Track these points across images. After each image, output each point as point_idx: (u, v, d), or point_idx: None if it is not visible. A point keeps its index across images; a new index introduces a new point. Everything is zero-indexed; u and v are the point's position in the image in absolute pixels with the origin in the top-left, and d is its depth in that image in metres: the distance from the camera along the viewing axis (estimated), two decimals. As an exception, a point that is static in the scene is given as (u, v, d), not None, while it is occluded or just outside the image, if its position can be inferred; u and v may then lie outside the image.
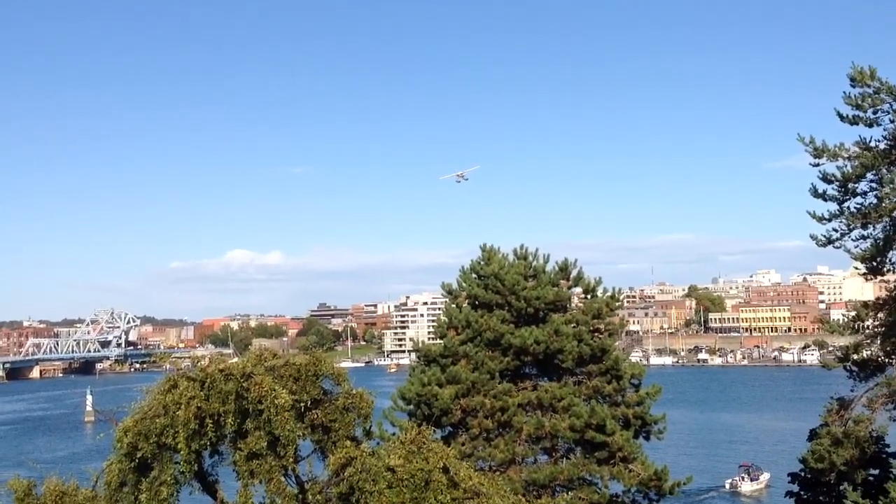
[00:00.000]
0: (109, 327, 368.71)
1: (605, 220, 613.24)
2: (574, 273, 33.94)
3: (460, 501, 17.04)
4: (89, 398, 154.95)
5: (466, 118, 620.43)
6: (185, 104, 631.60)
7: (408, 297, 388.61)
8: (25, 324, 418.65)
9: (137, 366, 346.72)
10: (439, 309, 40.27)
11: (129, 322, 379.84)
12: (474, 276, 33.80)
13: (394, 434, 26.16)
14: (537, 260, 33.88)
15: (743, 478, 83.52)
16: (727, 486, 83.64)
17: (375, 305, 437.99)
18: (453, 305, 33.71)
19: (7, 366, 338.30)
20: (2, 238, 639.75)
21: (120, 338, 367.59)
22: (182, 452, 16.75)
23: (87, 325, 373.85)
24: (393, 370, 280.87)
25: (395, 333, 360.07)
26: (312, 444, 18.85)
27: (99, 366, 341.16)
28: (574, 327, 31.66)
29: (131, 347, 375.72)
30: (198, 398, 16.95)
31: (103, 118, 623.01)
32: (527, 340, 30.79)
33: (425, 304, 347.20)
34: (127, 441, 16.66)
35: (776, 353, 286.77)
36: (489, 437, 30.23)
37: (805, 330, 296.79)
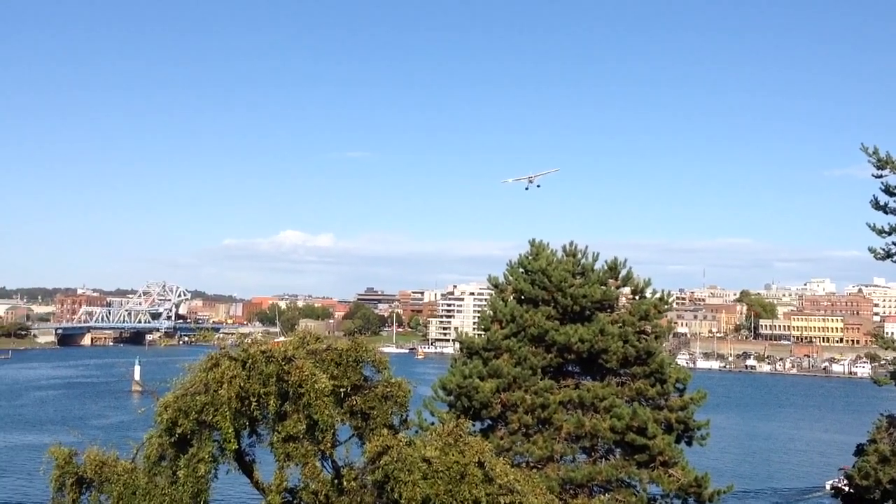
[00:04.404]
0: (161, 300, 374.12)
1: (658, 220, 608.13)
2: (623, 273, 33.50)
3: (494, 497, 16.89)
4: (137, 369, 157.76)
5: (524, 112, 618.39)
6: (247, 85, 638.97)
7: (455, 287, 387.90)
8: (80, 291, 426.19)
9: (186, 339, 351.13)
10: (485, 300, 39.95)
11: (180, 295, 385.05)
12: (521, 270, 33.54)
13: (432, 424, 26.12)
14: (586, 258, 33.52)
15: (841, 479, 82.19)
16: (827, 486, 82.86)
17: (422, 293, 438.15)
18: (499, 299, 33.47)
19: (60, 332, 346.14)
20: (63, 206, 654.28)
21: (170, 311, 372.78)
22: (223, 431, 16.80)
23: (140, 296, 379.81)
24: (420, 357, 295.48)
25: (441, 322, 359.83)
26: (351, 429, 18.83)
27: (148, 337, 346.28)
28: (620, 328, 31.24)
29: (181, 321, 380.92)
30: (239, 378, 17.00)
31: (162, 91, 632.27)
32: (571, 338, 30.49)
33: (472, 294, 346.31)
34: (167, 416, 16.75)
35: (826, 363, 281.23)
36: (528, 434, 30.02)
37: (857, 342, 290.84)
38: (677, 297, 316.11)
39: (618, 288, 33.54)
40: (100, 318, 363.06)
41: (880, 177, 32.42)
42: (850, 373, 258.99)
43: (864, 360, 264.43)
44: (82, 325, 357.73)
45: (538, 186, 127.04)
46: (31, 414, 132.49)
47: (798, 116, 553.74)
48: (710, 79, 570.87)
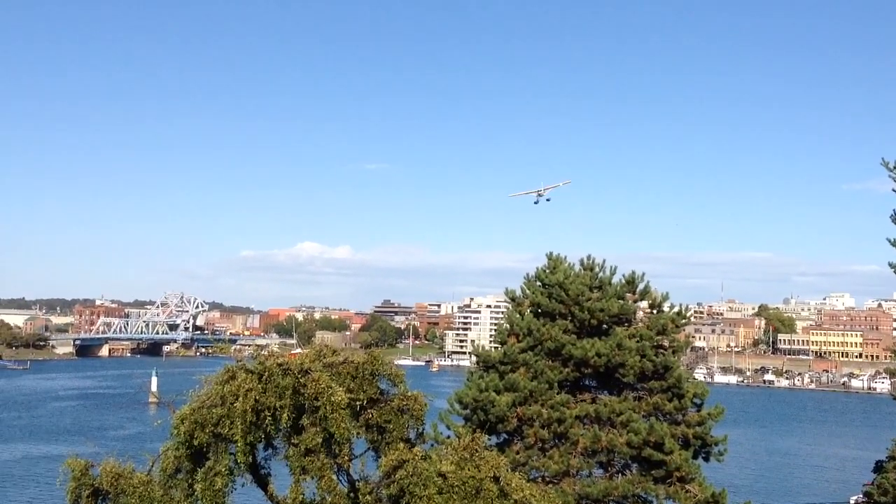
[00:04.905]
0: (178, 311, 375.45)
1: (675, 233, 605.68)
2: (641, 287, 33.35)
3: (510, 512, 16.82)
4: (154, 380, 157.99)
5: (542, 123, 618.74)
6: (265, 95, 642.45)
7: (471, 299, 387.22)
8: (98, 302, 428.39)
9: (203, 350, 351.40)
10: (502, 312, 39.87)
11: (197, 307, 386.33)
12: (538, 283, 33.44)
13: (448, 437, 26.04)
14: (603, 271, 33.39)
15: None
16: (851, 501, 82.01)
17: (439, 305, 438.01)
18: (516, 313, 33.37)
19: (78, 342, 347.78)
20: (82, 217, 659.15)
21: (188, 322, 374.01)
22: (238, 444, 16.80)
23: (157, 307, 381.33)
24: (435, 370, 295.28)
25: (457, 334, 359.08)
26: (367, 443, 18.80)
27: (166, 348, 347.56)
28: (637, 342, 31.08)
29: (198, 332, 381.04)
30: (255, 391, 16.99)
31: (180, 101, 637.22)
32: (588, 352, 30.36)
33: (488, 307, 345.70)
34: (184, 429, 16.78)
35: (845, 378, 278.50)
36: (544, 448, 29.88)
37: (877, 357, 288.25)
38: (695, 312, 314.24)
39: (635, 302, 33.38)
40: (117, 330, 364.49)
41: (901, 191, 32.15)
42: (870, 388, 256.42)
43: (884, 375, 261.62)
44: (100, 336, 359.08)
45: (548, 200, 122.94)
46: (49, 424, 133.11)
47: (817, 130, 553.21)
48: (729, 90, 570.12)
